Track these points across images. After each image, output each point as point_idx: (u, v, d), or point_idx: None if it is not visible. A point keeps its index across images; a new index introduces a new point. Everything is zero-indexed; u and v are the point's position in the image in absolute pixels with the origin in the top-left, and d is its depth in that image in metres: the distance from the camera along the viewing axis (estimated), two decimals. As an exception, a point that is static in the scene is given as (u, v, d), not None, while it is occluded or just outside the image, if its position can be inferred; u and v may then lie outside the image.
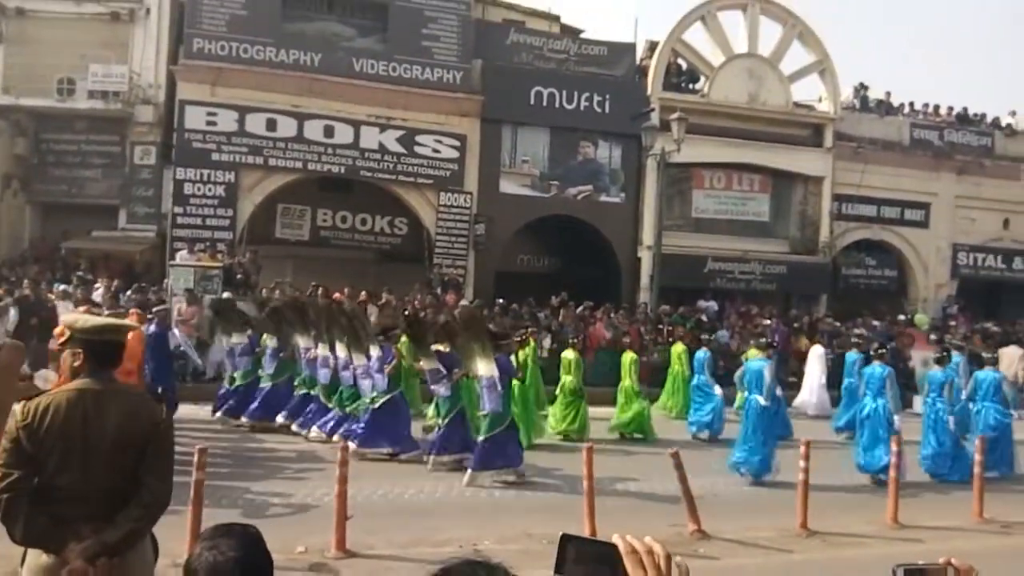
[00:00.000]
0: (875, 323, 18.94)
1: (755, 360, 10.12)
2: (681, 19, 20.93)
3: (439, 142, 19.10)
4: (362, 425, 9.56)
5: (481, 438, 8.55)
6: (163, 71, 18.63)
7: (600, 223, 20.22)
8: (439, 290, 17.55)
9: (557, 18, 24.69)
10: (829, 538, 7.01)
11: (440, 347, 9.56)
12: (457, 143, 19.20)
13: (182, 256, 15.05)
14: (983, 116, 24.77)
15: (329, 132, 18.32)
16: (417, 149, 18.92)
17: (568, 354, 12.00)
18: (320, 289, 14.97)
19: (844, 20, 53.26)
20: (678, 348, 14.23)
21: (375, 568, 5.91)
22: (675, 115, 17.68)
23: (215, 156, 17.66)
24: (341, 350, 10.15)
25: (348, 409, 10.06)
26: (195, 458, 5.82)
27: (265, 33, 18.04)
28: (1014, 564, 6.53)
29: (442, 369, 9.25)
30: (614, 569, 1.18)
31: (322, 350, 10.40)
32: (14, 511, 2.73)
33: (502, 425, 8.65)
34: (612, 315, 17.29)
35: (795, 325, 18.44)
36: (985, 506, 7.79)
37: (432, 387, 9.48)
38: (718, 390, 12.34)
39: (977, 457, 8.07)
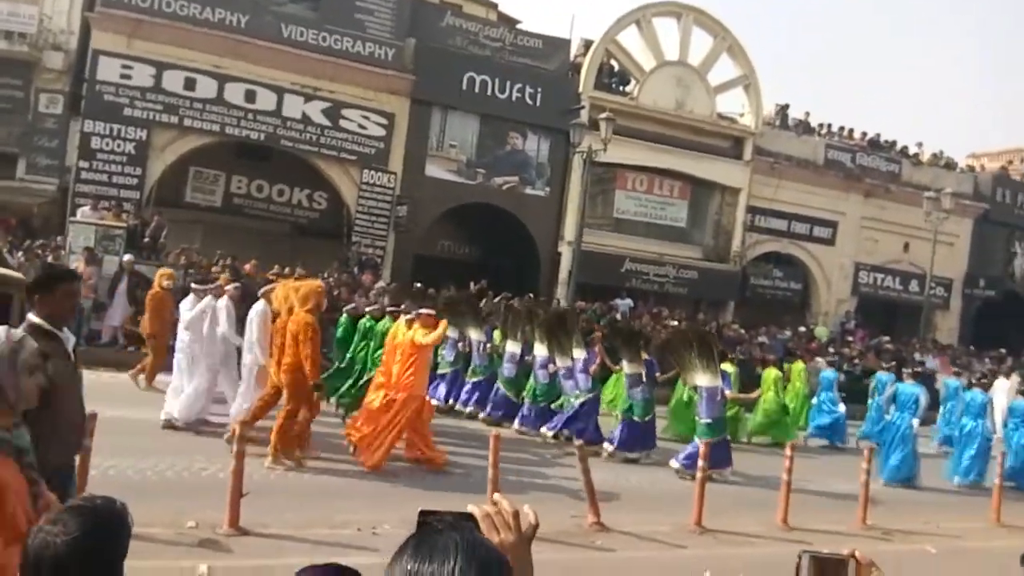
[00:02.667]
0: (779, 334, 19.65)
1: (908, 385, 11.41)
2: (616, 21, 21.13)
3: (366, 118, 18.70)
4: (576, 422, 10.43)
5: (702, 443, 8.71)
6: (77, 17, 17.56)
7: (523, 215, 20.25)
8: (356, 269, 17.20)
9: (495, 6, 24.57)
10: (720, 536, 7.20)
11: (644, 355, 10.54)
12: (384, 121, 18.84)
13: (83, 213, 14.20)
14: (893, 143, 26.06)
15: (251, 97, 17.67)
16: (342, 123, 18.47)
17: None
18: (229, 260, 14.43)
19: (772, 39, 55.06)
20: (772, 373, 13.14)
21: (267, 547, 5.71)
22: (604, 115, 17.86)
23: (127, 111, 16.77)
24: (540, 349, 11.18)
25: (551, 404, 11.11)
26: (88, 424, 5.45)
27: (190, -13, 17.22)
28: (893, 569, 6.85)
29: (643, 375, 10.24)
30: None
31: (511, 346, 11.58)
32: None
33: (721, 432, 9.65)
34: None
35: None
36: (869, 513, 8.17)
37: (630, 391, 10.34)
38: (842, 407, 13.58)
39: (863, 465, 8.43)
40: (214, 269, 12.93)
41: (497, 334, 12.24)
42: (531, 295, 16.97)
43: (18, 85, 17.51)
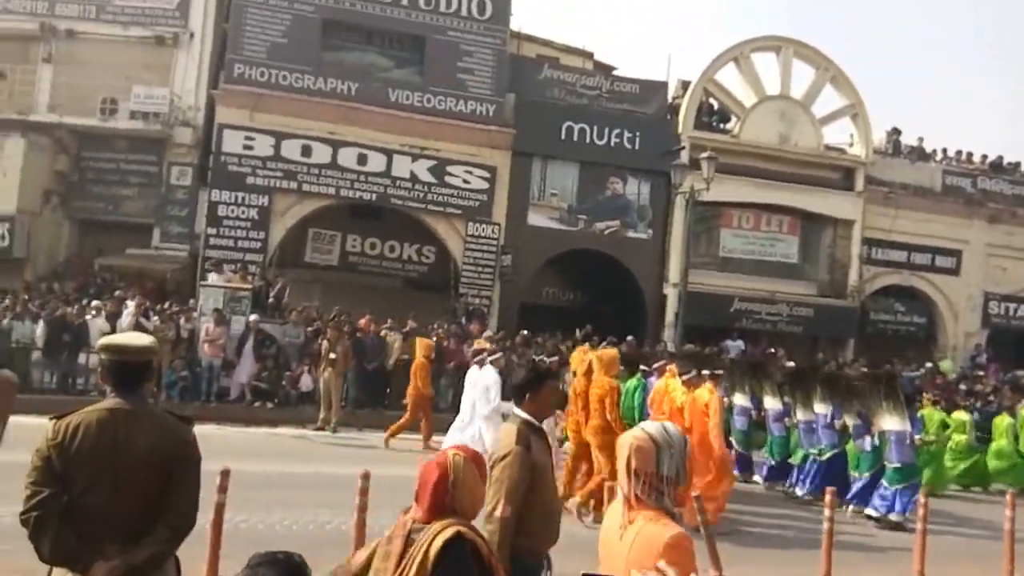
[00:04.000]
0: (905, 371, 18.57)
1: None
2: (714, 59, 21.08)
3: (469, 173, 19.30)
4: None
5: (896, 487, 9.03)
6: (203, 95, 19.09)
7: (626, 259, 20.22)
8: (463, 320, 17.60)
9: (591, 55, 24.97)
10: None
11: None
12: (487, 174, 19.39)
13: (212, 277, 15.27)
14: (1017, 164, 24.54)
15: (362, 160, 18.61)
16: (448, 179, 19.13)
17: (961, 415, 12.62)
18: (344, 315, 15.11)
19: (878, 64, 53.18)
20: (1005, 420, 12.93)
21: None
22: (705, 154, 17.71)
23: (250, 180, 17.99)
24: (773, 403, 11.16)
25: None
26: (217, 480, 5.79)
27: (304, 61, 18.44)
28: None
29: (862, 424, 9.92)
30: None
31: (740, 400, 11.35)
32: (42, 529, 2.72)
33: (913, 478, 9.45)
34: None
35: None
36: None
37: (856, 442, 10.03)
38: None
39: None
40: (330, 325, 13.55)
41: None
42: (631, 338, 16.87)
43: (152, 161, 19.13)
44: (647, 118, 20.93)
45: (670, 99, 21.75)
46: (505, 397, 9.09)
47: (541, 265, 20.00)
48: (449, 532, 2.29)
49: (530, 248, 19.56)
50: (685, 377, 9.01)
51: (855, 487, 9.87)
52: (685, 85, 21.57)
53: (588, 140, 19.97)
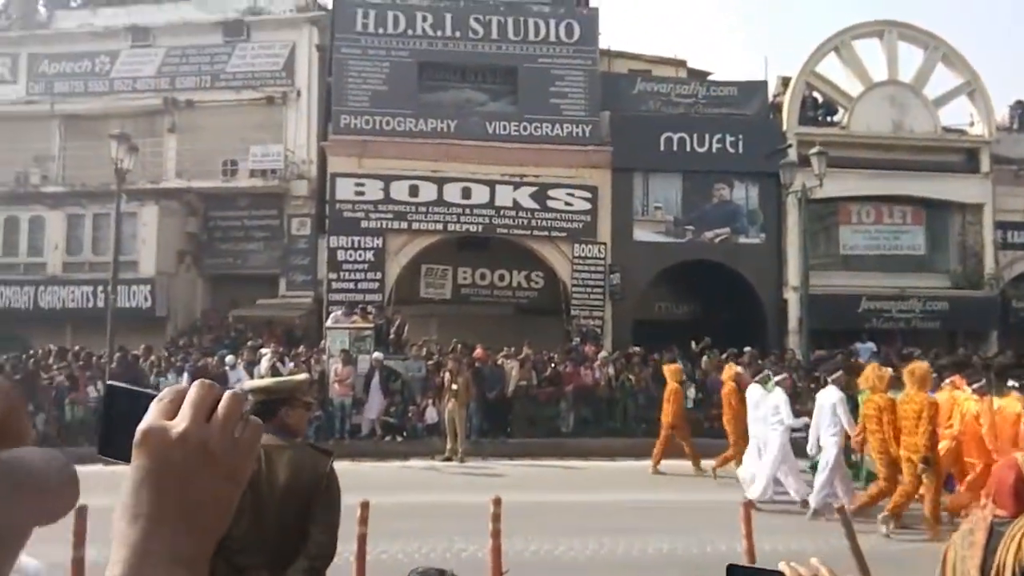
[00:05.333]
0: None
1: None
2: (814, 51, 20.42)
3: (571, 195, 19.42)
4: None
5: None
6: (314, 147, 20.14)
7: (740, 265, 19.72)
8: (578, 341, 17.62)
9: (683, 63, 24.70)
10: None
11: None
12: (589, 195, 19.44)
13: (336, 318, 15.97)
14: None
15: (466, 193, 19.08)
16: (550, 203, 19.31)
17: None
18: (460, 345, 15.46)
19: (992, 35, 49.87)
20: None
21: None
22: (814, 149, 17.17)
23: (364, 223, 18.79)
24: None
25: None
26: (358, 512, 6.03)
27: (405, 105, 19.17)
28: None
29: None
30: None
31: None
32: None
33: None
34: (760, 361, 16.66)
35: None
36: None
37: None
38: None
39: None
40: (450, 357, 13.90)
41: None
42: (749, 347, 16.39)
43: (273, 215, 20.29)
44: (748, 119, 20.47)
45: (771, 98, 21.19)
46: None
47: (651, 280, 19.79)
48: None
49: (638, 264, 19.41)
50: (976, 386, 9.08)
51: None
52: (786, 81, 20.99)
53: (688, 149, 19.71)
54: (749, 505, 7.78)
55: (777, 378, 10.28)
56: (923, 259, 20.65)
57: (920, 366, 8.86)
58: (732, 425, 11.31)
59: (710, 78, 22.89)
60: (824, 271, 19.44)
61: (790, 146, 19.02)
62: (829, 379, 9.99)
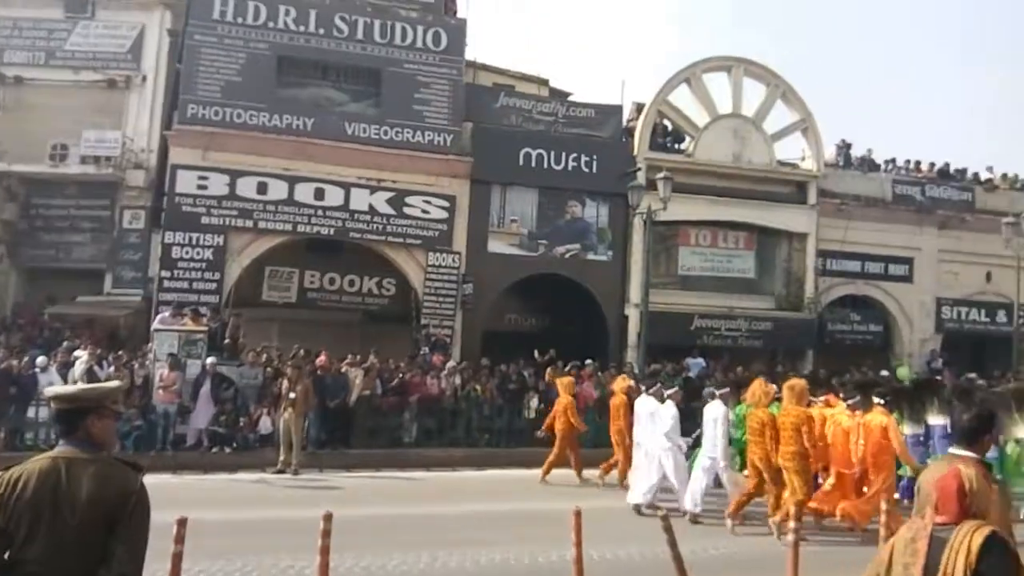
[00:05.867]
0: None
1: None
2: (667, 81, 21.46)
3: (428, 203, 19.35)
4: None
5: None
6: (156, 136, 18.97)
7: (588, 281, 20.38)
8: (427, 350, 17.55)
9: (546, 82, 25.32)
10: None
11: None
12: (446, 204, 19.45)
13: (163, 319, 14.96)
14: (964, 171, 25.27)
15: (319, 194, 18.56)
16: (407, 210, 19.15)
17: None
18: (302, 351, 14.98)
19: (827, 79, 54.54)
20: None
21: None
22: (661, 174, 18.06)
23: (204, 219, 17.83)
24: (938, 419, 11.13)
25: None
26: (174, 529, 5.67)
27: (259, 99, 18.40)
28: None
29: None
30: None
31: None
32: None
33: None
34: (600, 374, 17.28)
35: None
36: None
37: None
38: None
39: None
40: (290, 364, 13.42)
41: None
42: (592, 359, 17.04)
43: (105, 205, 18.93)
44: (603, 141, 21.21)
45: (625, 122, 22.07)
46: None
47: (503, 292, 20.06)
48: (986, 530, 2.65)
49: (491, 275, 19.61)
50: (850, 402, 9.92)
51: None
52: (639, 108, 21.92)
53: (546, 165, 20.16)
54: (578, 515, 8.22)
55: (669, 392, 10.76)
56: (752, 282, 22.17)
57: (799, 383, 9.62)
58: (619, 436, 11.78)
59: (570, 99, 23.56)
60: (663, 289, 20.46)
61: (639, 169, 19.90)
62: (716, 393, 10.67)
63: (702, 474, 10.08)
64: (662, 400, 10.63)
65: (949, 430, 10.15)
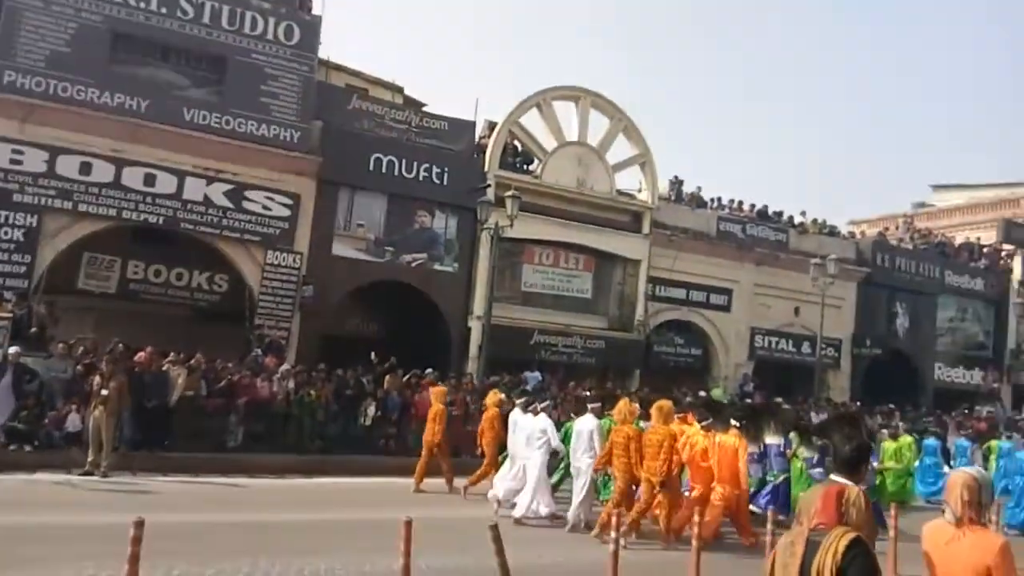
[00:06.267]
0: (683, 400, 20.08)
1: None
2: (519, 104, 22.01)
3: (270, 199, 18.63)
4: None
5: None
6: (-37, 101, 16.98)
7: (432, 291, 20.42)
8: (260, 352, 16.85)
9: (401, 89, 25.23)
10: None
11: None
12: (290, 202, 18.81)
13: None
14: (780, 213, 27.73)
15: (150, 180, 17.38)
16: (246, 204, 18.34)
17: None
18: (121, 345, 13.93)
19: (665, 117, 58.05)
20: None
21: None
22: (509, 193, 18.52)
23: (17, 197, 16.18)
24: (773, 439, 12.15)
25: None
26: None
27: (88, 73, 16.96)
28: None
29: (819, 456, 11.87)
30: None
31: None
32: None
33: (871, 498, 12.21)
34: (440, 383, 17.34)
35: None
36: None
37: (811, 471, 11.80)
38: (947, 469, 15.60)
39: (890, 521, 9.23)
40: (106, 358, 12.43)
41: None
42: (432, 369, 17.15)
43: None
44: (455, 155, 21.38)
45: (477, 138, 22.39)
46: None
47: (345, 296, 19.67)
48: (852, 535, 3.04)
49: (334, 279, 19.18)
50: (704, 423, 10.73)
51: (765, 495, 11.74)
52: (492, 126, 22.32)
53: (396, 173, 20.02)
54: (408, 524, 8.11)
55: (541, 405, 11.35)
56: (588, 302, 23.12)
57: (666, 403, 10.49)
58: (490, 447, 12.16)
59: (424, 109, 23.59)
60: (506, 304, 20.89)
61: (489, 186, 20.26)
62: (588, 407, 11.24)
63: (582, 484, 10.67)
64: (535, 413, 11.16)
65: (781, 448, 12.15)
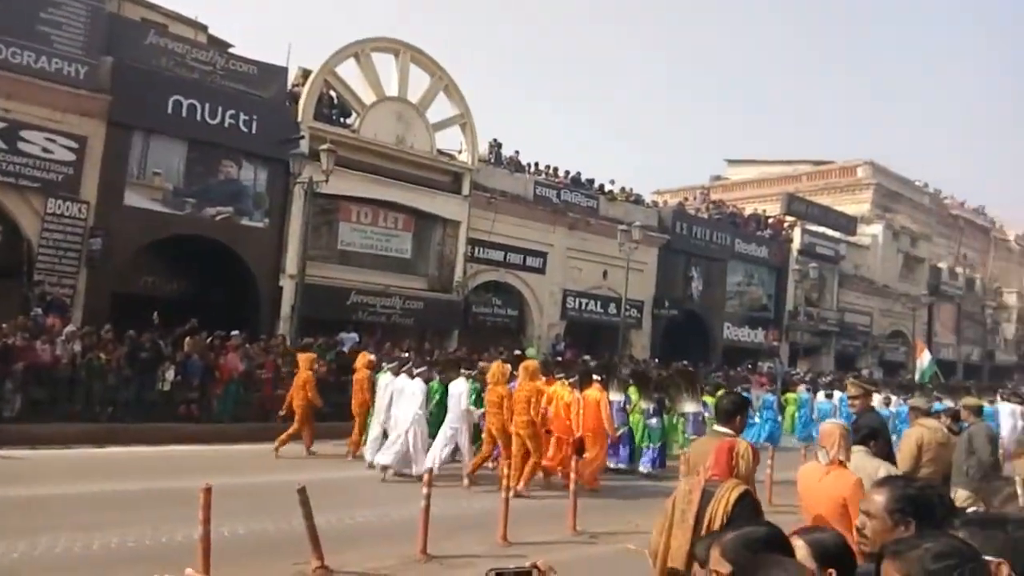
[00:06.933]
0: (499, 358, 20.58)
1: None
2: (336, 52, 21.05)
3: (51, 141, 16.60)
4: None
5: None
6: None
7: (240, 248, 19.25)
8: (40, 311, 15.10)
9: (204, 28, 23.35)
10: (446, 561, 7.35)
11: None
12: (74, 144, 16.86)
13: None
14: (591, 181, 28.85)
15: (-101, 112, 14.90)
16: (22, 146, 16.22)
17: None
18: None
19: (486, 78, 58.39)
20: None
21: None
22: (325, 146, 17.72)
23: None
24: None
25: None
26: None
27: None
28: (598, 569, 7.51)
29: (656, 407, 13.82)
30: None
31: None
32: None
33: None
34: (248, 345, 16.49)
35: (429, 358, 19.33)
36: (578, 519, 8.85)
37: (648, 420, 13.62)
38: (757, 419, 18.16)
39: (573, 476, 9.19)
40: None
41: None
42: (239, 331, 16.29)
43: None
44: (265, 102, 20.11)
45: (290, 86, 21.23)
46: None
47: (140, 251, 18.00)
48: (741, 488, 3.45)
49: (126, 232, 17.48)
50: (571, 381, 12.04)
51: (649, 454, 13.28)
52: (306, 74, 21.20)
53: (199, 118, 18.48)
54: (208, 491, 7.02)
55: (418, 370, 12.02)
56: (408, 262, 22.86)
57: (532, 363, 11.56)
58: (361, 409, 12.71)
59: (231, 51, 21.94)
60: (322, 263, 20.15)
61: (302, 137, 19.30)
62: (462, 372, 12.21)
63: (443, 442, 11.38)
64: (411, 376, 11.76)
65: (622, 404, 13.46)
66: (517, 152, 27.34)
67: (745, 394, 18.69)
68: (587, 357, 19.81)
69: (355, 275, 21.18)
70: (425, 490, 7.50)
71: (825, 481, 3.97)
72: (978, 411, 8.40)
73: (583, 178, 28.66)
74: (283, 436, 12.42)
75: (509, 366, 11.84)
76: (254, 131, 19.19)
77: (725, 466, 3.80)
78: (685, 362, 22.67)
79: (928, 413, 7.94)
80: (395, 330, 21.51)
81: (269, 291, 19.54)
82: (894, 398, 19.08)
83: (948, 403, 14.81)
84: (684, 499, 3.63)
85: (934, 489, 3.03)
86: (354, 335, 19.46)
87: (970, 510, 3.31)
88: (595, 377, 12.33)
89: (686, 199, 37.38)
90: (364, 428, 12.67)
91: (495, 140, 26.88)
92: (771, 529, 2.20)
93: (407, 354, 16.02)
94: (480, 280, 24.22)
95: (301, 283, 17.88)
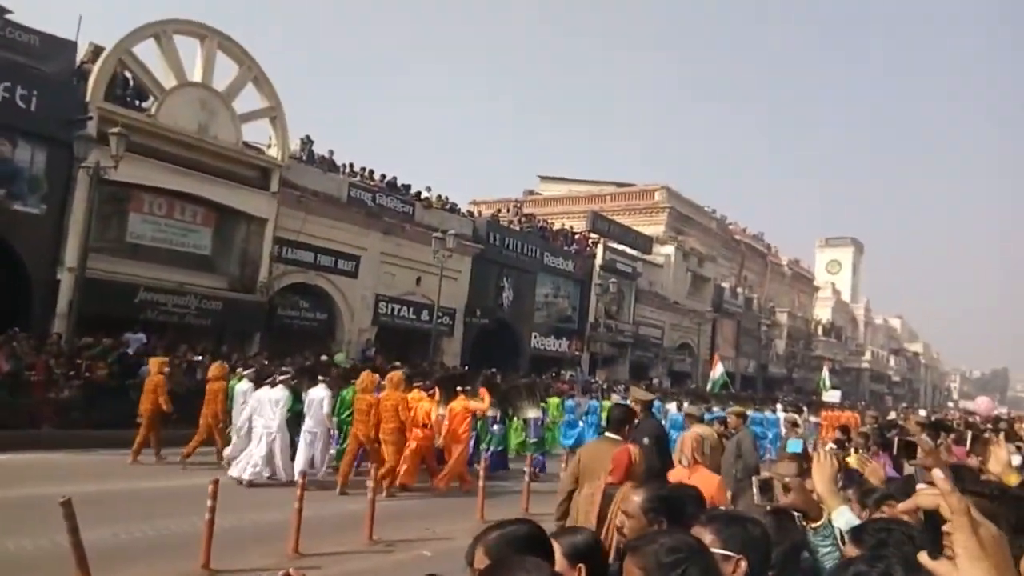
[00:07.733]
0: (305, 363, 19.92)
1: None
2: (134, 31, 19.47)
3: None
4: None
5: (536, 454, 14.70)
6: None
7: (11, 235, 17.25)
8: None
9: (-24, -11, 20.67)
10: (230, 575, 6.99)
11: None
12: None
13: None
14: (408, 187, 28.77)
15: None
16: None
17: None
18: None
19: (297, 73, 56.62)
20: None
21: None
22: (116, 129, 16.36)
23: None
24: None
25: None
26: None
27: None
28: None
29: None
30: None
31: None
32: None
33: (543, 448, 15.74)
34: (15, 344, 14.77)
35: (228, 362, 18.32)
36: (376, 528, 8.73)
37: (492, 427, 14.43)
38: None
39: (370, 483, 9.05)
40: None
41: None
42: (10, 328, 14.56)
43: None
44: (48, 77, 18.18)
45: (79, 63, 19.34)
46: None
47: None
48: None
49: None
50: (429, 391, 13.11)
51: (486, 455, 13.46)
52: (98, 51, 19.41)
53: (-34, 88, 16.39)
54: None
55: (281, 378, 12.25)
56: (207, 259, 21.50)
57: (397, 374, 12.22)
58: (214, 419, 12.74)
59: (8, 16, 19.61)
60: (107, 256, 18.49)
61: (90, 119, 17.68)
62: (319, 379, 12.57)
63: (305, 447, 11.80)
64: (273, 385, 12.00)
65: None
66: (331, 151, 26.74)
67: (568, 401, 19.82)
68: (397, 363, 19.62)
69: (145, 270, 19.62)
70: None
71: (692, 480, 4.43)
72: (744, 418, 9.29)
73: (399, 183, 28.52)
74: (135, 446, 12.42)
75: (377, 376, 12.67)
76: (33, 108, 17.32)
77: (622, 473, 4.11)
78: (493, 370, 23.14)
79: (701, 420, 8.67)
80: (189, 331, 20.15)
81: (44, 284, 17.63)
82: (686, 404, 20.69)
83: (717, 411, 16.31)
84: (587, 501, 3.92)
85: (687, 489, 3.31)
86: (142, 336, 18.03)
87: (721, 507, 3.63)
88: (459, 389, 13.27)
89: (499, 211, 38.30)
90: (222, 437, 12.94)
91: (307, 136, 26.15)
92: (532, 528, 2.27)
93: (267, 362, 16.50)
94: (287, 281, 23.31)
95: (82, 277, 16.32)
